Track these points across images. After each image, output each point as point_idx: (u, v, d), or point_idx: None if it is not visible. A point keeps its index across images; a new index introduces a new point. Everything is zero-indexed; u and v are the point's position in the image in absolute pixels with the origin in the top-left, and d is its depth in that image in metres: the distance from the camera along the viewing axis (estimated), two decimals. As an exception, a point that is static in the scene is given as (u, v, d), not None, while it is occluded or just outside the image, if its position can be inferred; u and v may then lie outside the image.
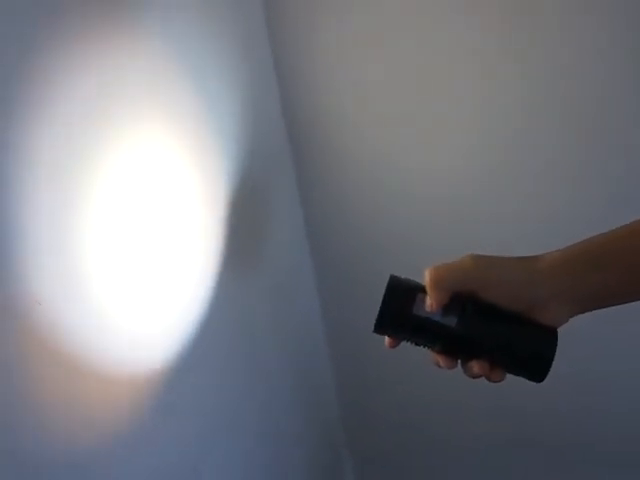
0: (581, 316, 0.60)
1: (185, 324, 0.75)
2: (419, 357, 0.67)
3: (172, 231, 0.72)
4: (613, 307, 0.61)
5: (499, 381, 0.61)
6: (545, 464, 1.18)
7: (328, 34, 0.96)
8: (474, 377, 0.61)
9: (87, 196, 0.59)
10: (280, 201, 1.06)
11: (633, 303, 0.60)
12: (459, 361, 0.62)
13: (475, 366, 0.60)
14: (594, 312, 0.60)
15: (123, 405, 0.65)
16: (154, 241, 0.69)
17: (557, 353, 0.60)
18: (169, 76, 0.71)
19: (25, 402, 0.52)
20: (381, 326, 0.61)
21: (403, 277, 0.63)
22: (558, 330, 0.61)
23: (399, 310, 0.61)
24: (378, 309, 0.61)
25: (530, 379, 0.61)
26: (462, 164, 1.00)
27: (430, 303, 0.59)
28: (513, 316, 0.60)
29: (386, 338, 0.63)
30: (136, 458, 0.68)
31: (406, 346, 0.64)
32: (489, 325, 0.60)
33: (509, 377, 0.62)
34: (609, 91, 0.89)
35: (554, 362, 0.60)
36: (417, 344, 0.62)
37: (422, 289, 0.61)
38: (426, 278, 0.60)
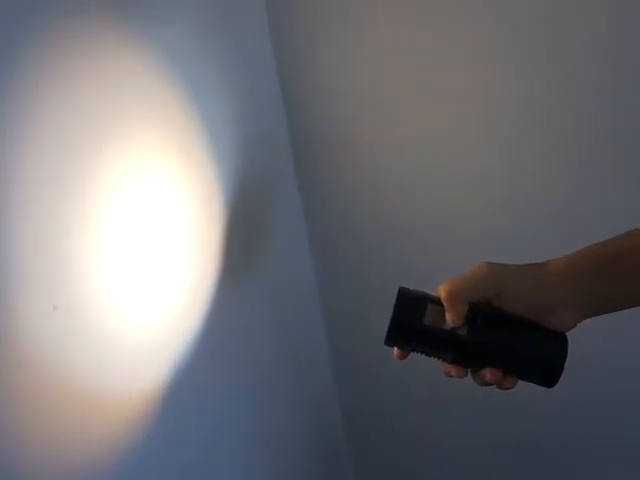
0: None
1: (183, 340, 0.74)
2: (423, 368, 0.67)
3: (169, 244, 0.71)
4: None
5: (511, 388, 0.62)
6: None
7: (331, 31, 0.96)
8: (485, 385, 0.62)
9: (83, 207, 0.58)
10: (281, 210, 1.05)
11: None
12: (469, 370, 0.62)
13: (487, 374, 0.60)
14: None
15: (117, 426, 0.64)
16: (151, 253, 0.68)
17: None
18: (165, 85, 0.70)
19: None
20: (392, 338, 0.61)
21: (412, 288, 0.62)
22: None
23: (410, 322, 0.61)
24: (389, 321, 0.61)
25: (542, 385, 0.62)
26: (471, 166, 1.00)
27: (451, 318, 0.59)
28: (523, 323, 0.60)
29: (395, 349, 0.63)
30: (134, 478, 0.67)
31: (411, 356, 0.64)
32: (499, 333, 0.61)
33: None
34: (614, 92, 0.89)
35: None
36: (428, 355, 0.62)
37: (432, 300, 0.61)
38: (441, 293, 0.60)
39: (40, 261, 0.53)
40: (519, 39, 0.90)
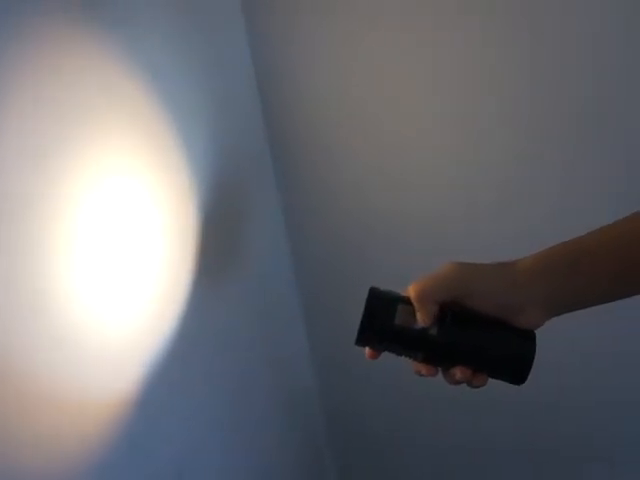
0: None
1: (157, 340, 0.74)
2: (404, 367, 0.67)
3: (143, 244, 0.71)
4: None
5: (481, 386, 0.62)
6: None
7: (309, 34, 0.95)
8: (456, 383, 0.62)
9: (53, 210, 0.58)
10: (259, 209, 1.05)
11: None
12: (440, 369, 0.63)
13: (457, 373, 0.61)
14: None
15: (89, 432, 0.64)
16: (125, 254, 0.68)
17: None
18: (139, 87, 0.70)
19: None
20: (363, 338, 0.62)
21: (383, 289, 0.63)
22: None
23: (381, 322, 0.61)
24: (359, 322, 0.61)
25: (511, 382, 0.62)
26: (455, 166, 1.00)
27: (421, 318, 0.60)
28: (492, 322, 0.61)
29: (366, 349, 0.64)
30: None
31: (392, 356, 0.64)
32: (469, 332, 0.61)
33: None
34: (611, 91, 0.89)
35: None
36: (399, 354, 0.62)
37: (403, 300, 0.61)
38: (411, 294, 0.60)
39: (11, 260, 0.53)
40: (512, 38, 0.89)
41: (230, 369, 0.93)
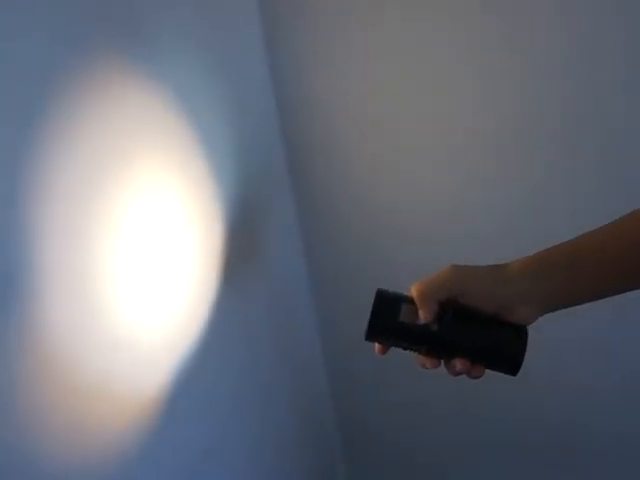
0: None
1: (185, 342, 0.80)
2: (412, 364, 0.72)
3: (172, 250, 0.77)
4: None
5: (479, 377, 0.68)
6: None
7: (328, 52, 0.99)
8: (456, 374, 0.68)
9: (98, 223, 0.64)
10: (278, 218, 1.10)
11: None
12: (442, 361, 0.69)
13: (457, 364, 0.67)
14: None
15: (124, 423, 0.69)
16: (156, 260, 0.74)
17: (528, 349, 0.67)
18: (168, 113, 0.76)
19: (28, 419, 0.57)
20: (371, 334, 0.68)
21: (389, 290, 0.70)
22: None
23: (386, 319, 0.68)
24: (367, 320, 0.68)
25: (505, 373, 0.69)
26: (463, 180, 1.03)
27: (423, 315, 0.66)
28: (487, 318, 0.67)
29: (376, 345, 0.70)
30: (137, 474, 0.71)
31: (399, 352, 0.70)
32: (465, 327, 0.68)
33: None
34: (609, 91, 0.92)
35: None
36: (404, 348, 0.69)
37: (407, 299, 0.68)
38: (413, 293, 0.67)
39: (70, 267, 0.60)
40: (512, 41, 0.92)
41: (250, 368, 0.98)
